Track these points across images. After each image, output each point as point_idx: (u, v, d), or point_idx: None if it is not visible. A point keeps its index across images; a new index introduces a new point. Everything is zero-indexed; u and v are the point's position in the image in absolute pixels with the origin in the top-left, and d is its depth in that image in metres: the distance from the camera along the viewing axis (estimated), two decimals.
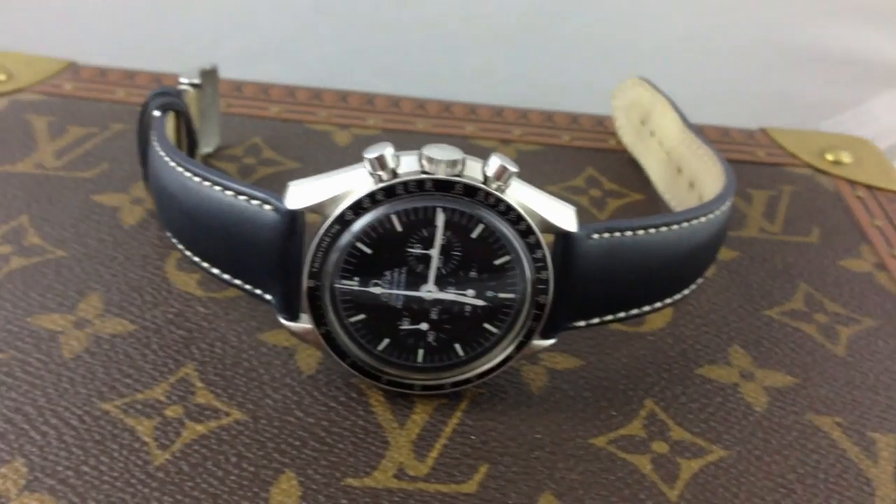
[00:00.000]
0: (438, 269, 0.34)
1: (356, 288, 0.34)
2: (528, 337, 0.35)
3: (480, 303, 0.34)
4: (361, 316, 0.34)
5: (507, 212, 0.33)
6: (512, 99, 0.62)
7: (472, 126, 0.58)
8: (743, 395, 0.39)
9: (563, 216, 0.34)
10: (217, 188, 0.35)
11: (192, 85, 0.48)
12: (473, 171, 0.33)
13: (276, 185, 0.35)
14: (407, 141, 0.54)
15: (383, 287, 0.34)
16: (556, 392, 0.38)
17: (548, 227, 0.34)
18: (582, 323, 0.37)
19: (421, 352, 0.35)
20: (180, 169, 0.37)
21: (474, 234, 0.33)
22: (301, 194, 0.33)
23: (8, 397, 0.35)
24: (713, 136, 0.60)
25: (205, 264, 0.38)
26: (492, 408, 0.37)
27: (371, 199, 0.33)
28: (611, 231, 0.35)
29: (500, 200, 0.33)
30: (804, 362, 0.41)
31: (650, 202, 0.52)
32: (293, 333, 0.36)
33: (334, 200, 0.33)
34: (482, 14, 0.74)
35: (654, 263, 0.37)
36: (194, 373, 0.37)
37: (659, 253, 0.36)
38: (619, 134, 0.57)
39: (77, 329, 0.38)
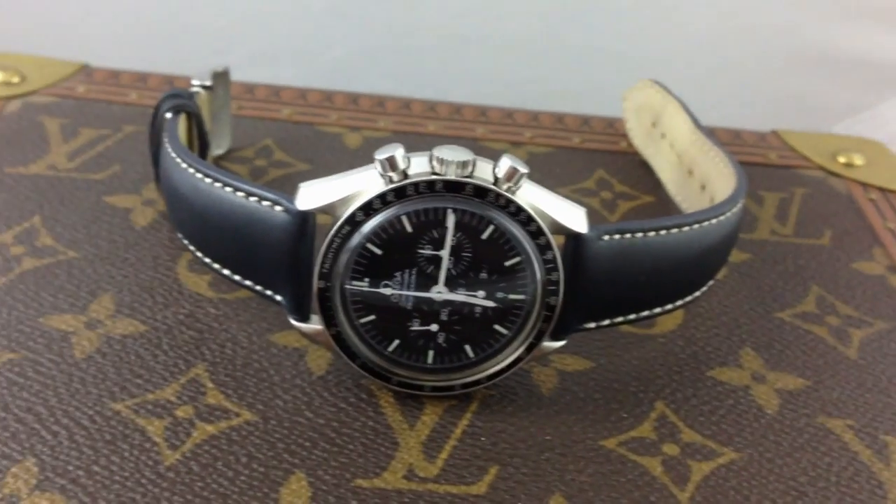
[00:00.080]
0: (449, 270, 0.34)
1: (366, 289, 0.34)
2: (539, 338, 0.35)
3: (491, 304, 0.34)
4: (372, 317, 0.34)
5: (518, 213, 0.33)
6: (523, 101, 0.62)
7: (483, 128, 0.58)
8: (754, 398, 0.39)
9: (574, 217, 0.34)
10: (228, 189, 0.35)
11: (204, 87, 0.48)
12: (484, 172, 0.33)
13: (287, 187, 0.35)
14: (418, 143, 0.54)
15: (393, 288, 0.34)
16: (566, 394, 0.38)
17: (558, 229, 0.34)
18: (592, 325, 0.37)
19: (431, 353, 0.35)
20: (192, 170, 0.37)
21: (485, 236, 0.33)
22: (312, 195, 0.34)
23: (20, 397, 0.35)
24: (725, 139, 0.59)
25: (216, 265, 0.38)
26: (502, 409, 0.37)
27: (382, 200, 0.33)
28: (621, 232, 0.35)
29: (510, 201, 0.33)
30: (816, 365, 0.41)
31: (661, 204, 0.52)
32: (303, 334, 0.36)
33: (345, 201, 0.33)
34: (493, 17, 0.74)
35: (665, 265, 0.36)
36: (205, 373, 0.37)
37: (670, 255, 0.36)
38: (630, 136, 0.57)
39: (88, 329, 0.38)
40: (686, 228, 0.36)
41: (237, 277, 0.37)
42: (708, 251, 0.38)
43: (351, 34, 0.74)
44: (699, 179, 0.48)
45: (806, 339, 0.42)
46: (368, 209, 0.33)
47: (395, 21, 0.73)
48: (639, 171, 0.55)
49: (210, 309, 0.40)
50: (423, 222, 0.33)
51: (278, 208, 0.34)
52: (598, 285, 0.35)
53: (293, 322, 0.36)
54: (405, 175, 0.32)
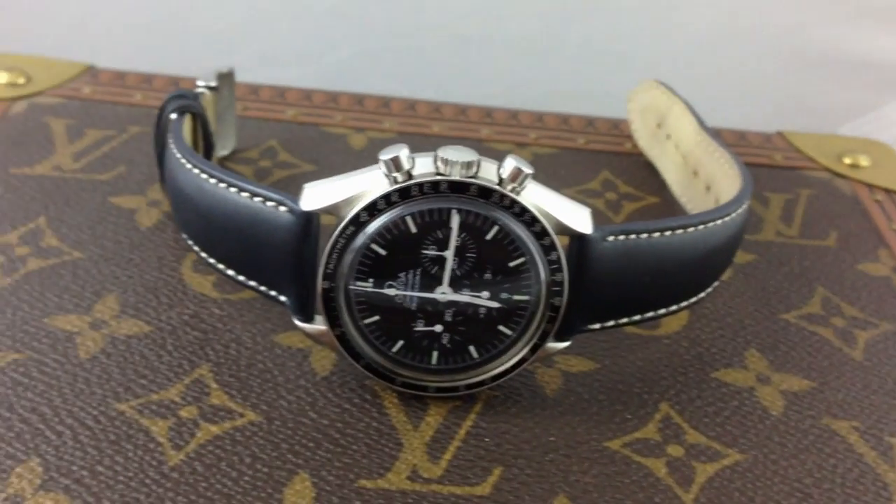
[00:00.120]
0: (453, 270, 0.34)
1: (370, 289, 0.34)
2: (543, 339, 0.35)
3: (495, 305, 0.34)
4: (376, 317, 0.34)
5: (522, 213, 0.33)
6: (528, 102, 0.62)
7: (488, 129, 0.58)
8: (759, 399, 0.39)
9: (579, 218, 0.34)
10: (233, 190, 0.35)
11: (209, 88, 0.48)
12: (488, 172, 0.33)
13: (292, 188, 0.35)
14: (423, 144, 0.54)
15: (398, 289, 0.34)
16: (570, 395, 0.38)
17: (563, 230, 0.34)
18: (597, 325, 0.37)
19: (435, 354, 0.35)
20: (196, 171, 0.37)
21: (489, 236, 0.33)
22: (316, 196, 0.34)
23: (24, 397, 0.35)
24: (730, 140, 0.59)
25: (220, 266, 0.38)
26: (506, 410, 0.37)
27: (386, 201, 0.33)
28: (626, 233, 0.35)
29: (515, 202, 0.33)
30: (821, 366, 0.41)
31: (666, 205, 0.52)
32: (308, 335, 0.36)
33: (349, 202, 0.33)
34: (498, 18, 0.74)
35: (670, 266, 0.36)
36: (209, 374, 0.37)
37: (674, 256, 0.36)
38: (635, 137, 0.57)
39: (93, 330, 0.38)
40: (691, 229, 0.36)
41: (241, 278, 0.37)
42: (713, 252, 0.38)
43: (356, 35, 0.74)
44: (704, 180, 0.48)
45: (811, 341, 0.42)
46: (373, 210, 0.33)
47: (400, 22, 0.73)
48: (644, 172, 0.55)
49: (214, 309, 0.40)
50: (427, 223, 0.33)
51: (282, 209, 0.34)
52: (602, 286, 0.35)
53: (297, 322, 0.36)
54: (409, 175, 0.32)
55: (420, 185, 0.32)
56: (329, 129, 0.55)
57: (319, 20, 0.73)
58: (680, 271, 0.37)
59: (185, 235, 0.40)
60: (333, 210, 0.33)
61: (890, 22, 0.74)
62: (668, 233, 0.36)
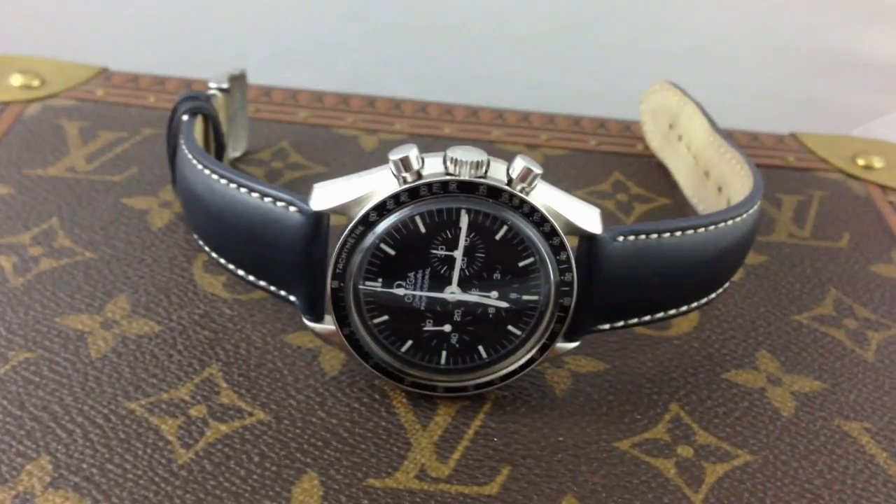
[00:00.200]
0: (462, 270, 0.34)
1: (380, 289, 0.34)
2: (552, 339, 0.35)
3: (504, 305, 0.34)
4: (385, 317, 0.34)
5: (532, 213, 0.33)
6: (539, 104, 0.62)
7: (499, 131, 0.58)
8: (770, 400, 0.38)
9: (588, 218, 0.34)
10: (243, 190, 0.35)
11: (221, 90, 0.48)
12: (498, 172, 0.33)
13: (303, 189, 0.35)
14: (434, 145, 0.54)
15: (407, 288, 0.34)
16: (579, 395, 0.38)
17: (572, 230, 0.34)
18: (606, 326, 0.37)
19: (444, 353, 0.35)
20: (207, 171, 0.37)
21: (498, 236, 0.33)
22: (325, 196, 0.34)
23: (35, 396, 0.35)
24: (742, 141, 0.59)
25: (231, 266, 0.38)
26: (515, 410, 0.37)
27: (395, 201, 0.33)
28: (636, 234, 0.35)
29: (524, 202, 0.33)
30: (833, 367, 0.41)
31: (677, 207, 0.52)
32: (317, 335, 0.36)
33: (358, 202, 0.33)
34: (509, 20, 0.74)
35: (681, 267, 0.36)
36: (219, 373, 0.37)
37: (685, 256, 0.36)
38: (647, 138, 0.57)
39: (104, 329, 0.38)
40: (701, 230, 0.36)
41: (252, 278, 0.37)
42: (724, 253, 0.38)
43: (367, 37, 0.74)
44: (716, 182, 0.48)
45: (823, 342, 0.42)
46: (382, 209, 0.33)
47: (411, 24, 0.74)
48: (655, 174, 0.55)
49: (225, 309, 0.40)
50: (436, 223, 0.33)
51: (292, 209, 0.34)
52: (612, 286, 0.35)
53: (307, 322, 0.36)
54: (419, 175, 0.32)
55: (429, 184, 0.32)
56: (340, 131, 0.56)
57: (331, 23, 0.74)
58: (690, 272, 0.37)
59: (196, 236, 0.40)
60: (343, 210, 0.33)
61: None
62: (678, 233, 0.35)
